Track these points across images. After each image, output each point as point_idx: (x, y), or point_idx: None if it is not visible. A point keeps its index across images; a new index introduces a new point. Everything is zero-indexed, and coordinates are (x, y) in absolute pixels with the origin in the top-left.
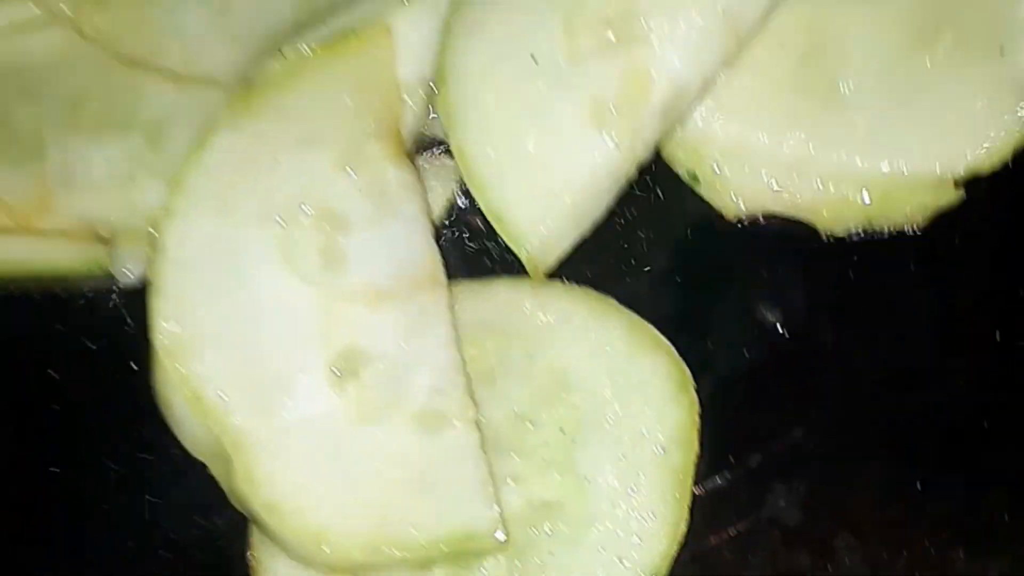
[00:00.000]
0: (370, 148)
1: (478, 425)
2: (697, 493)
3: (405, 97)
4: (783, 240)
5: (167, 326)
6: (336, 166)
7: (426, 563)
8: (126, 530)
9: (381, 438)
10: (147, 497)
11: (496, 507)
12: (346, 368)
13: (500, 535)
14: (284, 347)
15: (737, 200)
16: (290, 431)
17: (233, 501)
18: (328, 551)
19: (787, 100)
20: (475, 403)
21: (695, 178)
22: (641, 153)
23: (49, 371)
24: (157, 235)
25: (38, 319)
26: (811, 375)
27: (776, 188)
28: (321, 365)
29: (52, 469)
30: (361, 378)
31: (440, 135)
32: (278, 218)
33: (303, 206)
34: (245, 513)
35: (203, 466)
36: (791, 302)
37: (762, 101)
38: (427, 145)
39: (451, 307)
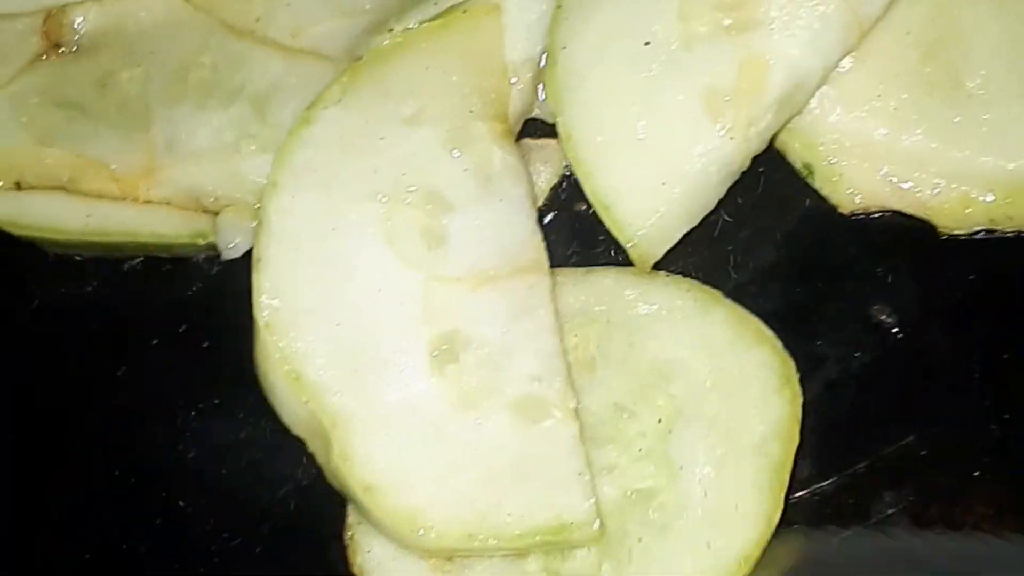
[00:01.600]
0: (476, 128)
1: (577, 415)
2: (802, 498)
3: (513, 78)
4: (899, 237)
5: (269, 301)
6: (441, 146)
7: (521, 552)
8: (221, 506)
9: (479, 424)
10: (244, 474)
11: (592, 498)
12: (446, 351)
13: (596, 526)
14: (385, 327)
15: (853, 194)
16: (389, 412)
17: (330, 480)
18: (423, 535)
19: (910, 93)
20: (575, 392)
21: (810, 170)
22: (756, 145)
23: (149, 339)
24: (261, 209)
25: (141, 287)
26: (924, 379)
27: (895, 183)
28: (421, 347)
29: (145, 439)
30: (461, 362)
31: (548, 118)
32: (382, 197)
33: (408, 186)
34: (342, 492)
35: (301, 443)
36: (905, 302)
37: (883, 93)
38: (534, 128)
39: (553, 294)
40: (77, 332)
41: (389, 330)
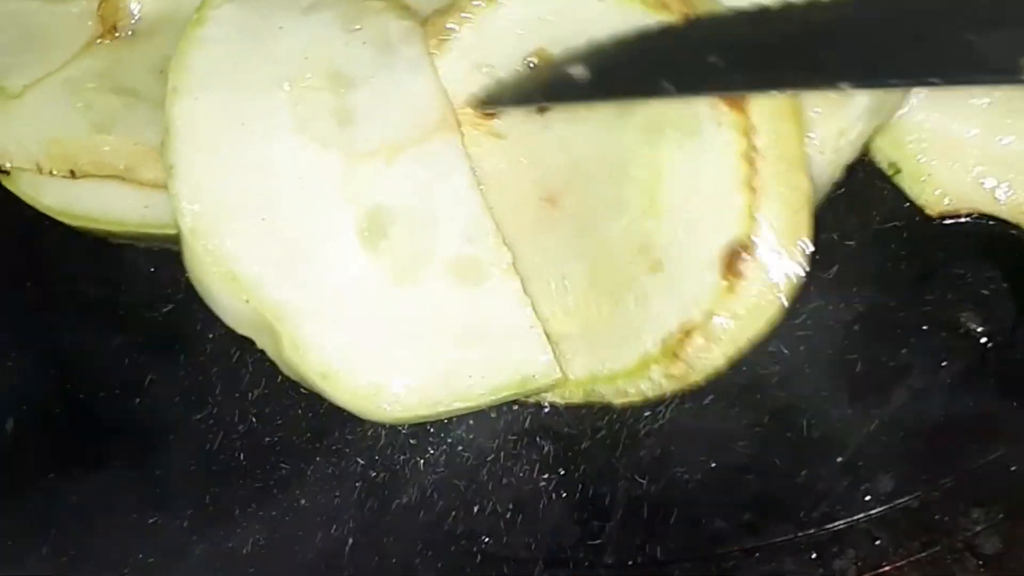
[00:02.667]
0: (372, 5)
1: (516, 269)
2: (885, 513)
3: None
4: (990, 242)
5: (189, 206)
6: (339, 26)
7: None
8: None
9: (421, 294)
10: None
11: (548, 350)
12: (374, 228)
13: (557, 373)
14: (310, 214)
15: (941, 195)
16: (330, 296)
17: (286, 371)
18: (388, 409)
19: (1003, 90)
20: (509, 248)
21: (896, 168)
22: (848, 155)
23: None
24: (164, 116)
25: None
26: (1015, 390)
27: (986, 185)
28: (349, 228)
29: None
30: (390, 236)
31: None
32: (285, 84)
33: (310, 69)
34: (300, 382)
35: (250, 343)
36: (996, 311)
37: (976, 90)
38: None
39: (466, 152)
40: (136, 326)
41: (315, 216)
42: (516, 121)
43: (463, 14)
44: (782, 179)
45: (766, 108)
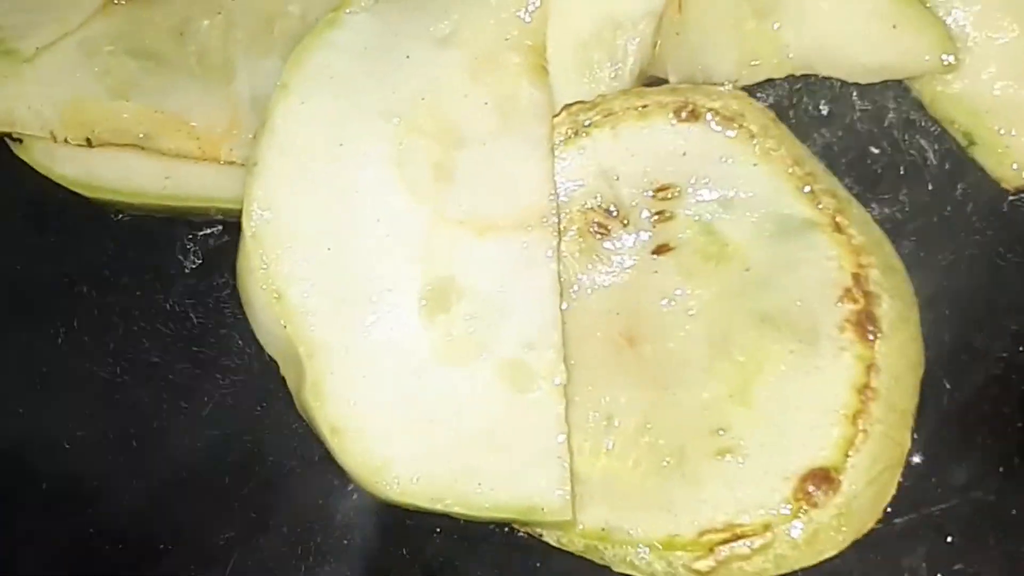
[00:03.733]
0: (507, 58)
1: (564, 393)
2: (957, 507)
3: (628, 33)
4: None
5: (260, 211)
6: (467, 72)
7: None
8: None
9: (462, 381)
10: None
11: (568, 486)
12: (438, 298)
13: (567, 515)
14: (378, 260)
15: (1020, 169)
16: (369, 351)
17: (299, 410)
18: (387, 487)
19: None
20: (567, 369)
21: (971, 140)
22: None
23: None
24: (267, 111)
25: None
26: None
27: None
28: (413, 288)
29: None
30: (451, 313)
31: (661, 74)
32: (396, 119)
33: (425, 111)
34: (309, 425)
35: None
36: None
37: None
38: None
39: (559, 255)
40: (154, 303)
41: (382, 264)
42: (627, 250)
43: (608, 115)
44: (888, 430)
45: (893, 349)
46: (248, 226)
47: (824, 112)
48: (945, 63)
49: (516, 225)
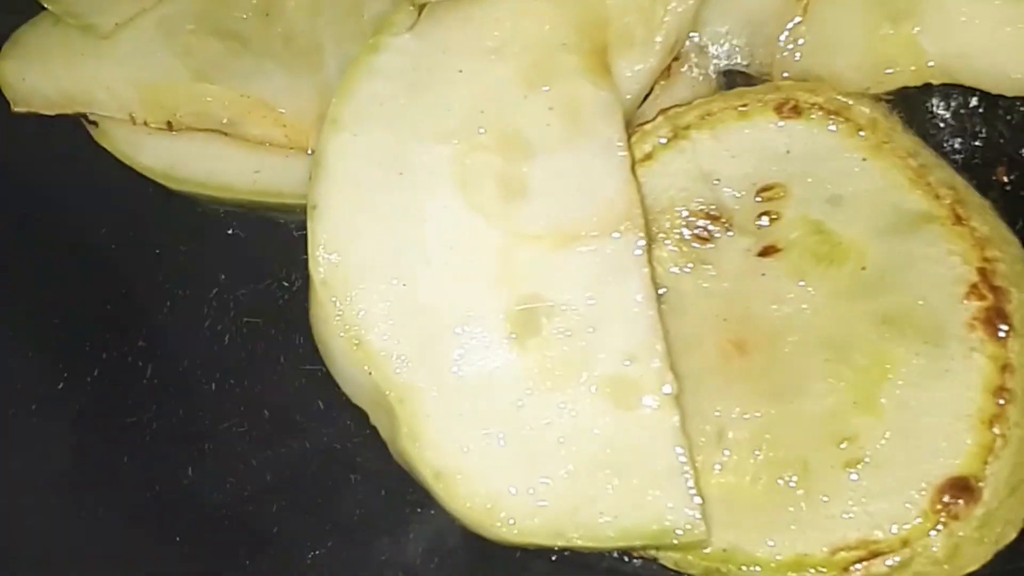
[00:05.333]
0: (565, 61)
1: (677, 402)
2: None
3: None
4: None
5: (326, 255)
6: (525, 80)
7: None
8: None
9: (564, 406)
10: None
11: (698, 499)
12: (527, 321)
13: (701, 530)
14: (457, 290)
15: None
16: (462, 388)
17: (396, 458)
18: (502, 528)
19: None
20: (676, 376)
21: None
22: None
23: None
24: (318, 149)
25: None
26: None
27: None
28: (498, 313)
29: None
30: (543, 333)
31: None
32: (455, 138)
33: (485, 126)
34: (410, 473)
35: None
36: None
37: None
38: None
39: (650, 259)
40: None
41: (462, 293)
42: (732, 254)
43: (707, 116)
44: None
45: None
46: (317, 272)
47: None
48: None
49: (599, 232)
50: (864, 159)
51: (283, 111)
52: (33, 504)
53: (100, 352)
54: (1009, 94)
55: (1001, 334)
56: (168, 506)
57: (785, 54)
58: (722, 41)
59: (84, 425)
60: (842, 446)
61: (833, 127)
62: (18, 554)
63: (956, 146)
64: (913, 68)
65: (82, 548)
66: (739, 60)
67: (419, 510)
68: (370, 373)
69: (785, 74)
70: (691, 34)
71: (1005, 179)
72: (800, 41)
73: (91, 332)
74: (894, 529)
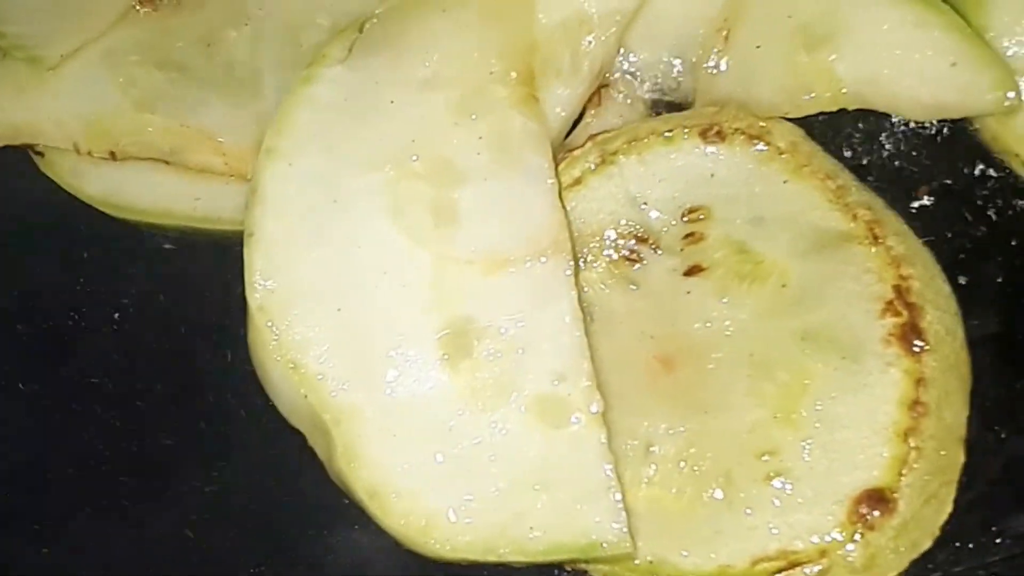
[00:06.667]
0: (494, 92)
1: (604, 420)
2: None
3: (589, 35)
4: None
5: (262, 282)
6: (455, 110)
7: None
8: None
9: (495, 425)
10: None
11: (623, 518)
12: (458, 343)
13: (627, 545)
14: (391, 314)
15: None
16: (397, 409)
17: (333, 479)
18: (436, 546)
19: None
20: (601, 396)
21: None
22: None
23: None
24: (254, 177)
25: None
26: None
27: None
28: (431, 336)
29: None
30: (474, 356)
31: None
32: (387, 166)
33: (416, 154)
34: (346, 493)
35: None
36: None
37: None
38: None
39: (577, 282)
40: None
41: (396, 317)
42: (659, 274)
43: (633, 141)
44: (941, 446)
45: (941, 362)
46: (253, 298)
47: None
48: (1007, 103)
49: (528, 256)
50: (785, 181)
51: (222, 140)
52: None
53: (41, 370)
54: (921, 119)
55: (916, 349)
56: (103, 526)
57: (708, 81)
58: (649, 68)
59: (23, 443)
60: (764, 459)
61: (755, 151)
62: None
63: (874, 167)
64: (829, 94)
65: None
66: (666, 86)
67: (356, 527)
68: (306, 396)
69: (710, 100)
70: (619, 60)
71: (925, 199)
72: (723, 68)
73: (28, 354)
74: (814, 539)
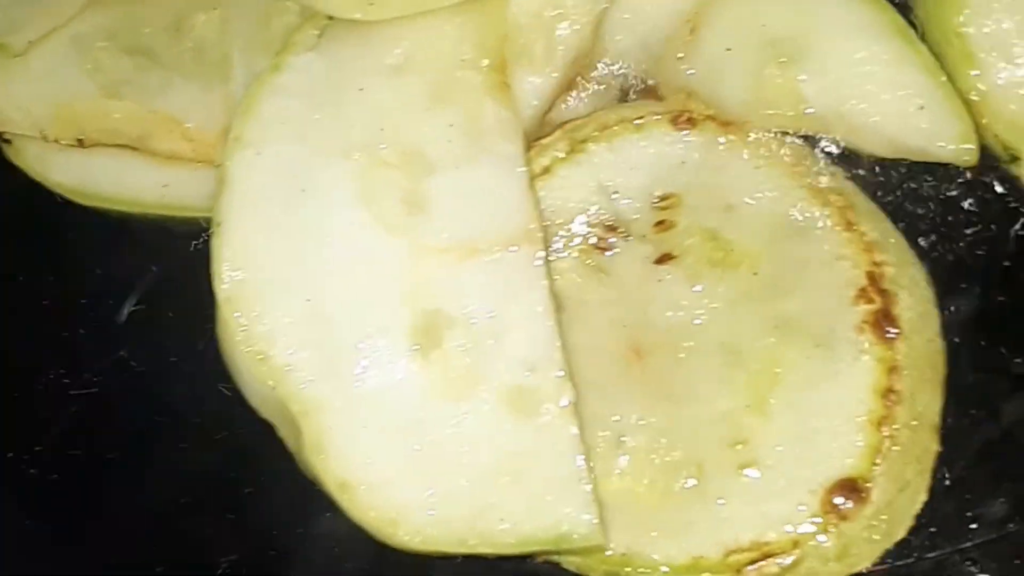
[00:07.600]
0: (466, 79)
1: (576, 412)
2: (994, 542)
3: (563, 22)
4: None
5: (230, 272)
6: (426, 97)
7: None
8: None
9: (466, 416)
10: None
11: (594, 506)
12: (429, 333)
13: (598, 535)
14: (360, 304)
15: None
16: (366, 400)
17: (303, 470)
18: (407, 538)
19: None
20: (574, 386)
21: (1013, 157)
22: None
23: None
24: (222, 166)
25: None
26: None
27: None
28: (400, 326)
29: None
30: (444, 345)
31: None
32: (357, 154)
33: (386, 142)
34: (315, 484)
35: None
36: None
37: None
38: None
39: (549, 272)
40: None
41: (365, 307)
42: (628, 261)
43: (604, 128)
44: (915, 434)
45: (914, 349)
46: (221, 289)
47: None
48: (964, 157)
49: (499, 245)
50: (756, 168)
51: (190, 125)
52: None
53: (12, 363)
54: (880, 155)
55: (889, 336)
56: (76, 515)
57: (675, 74)
58: (621, 57)
59: None
60: (736, 448)
61: (726, 138)
62: None
63: (847, 153)
64: (792, 113)
65: None
66: (638, 75)
67: (329, 516)
68: (274, 388)
69: (680, 91)
70: (591, 49)
71: (899, 184)
72: (690, 63)
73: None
74: (787, 529)
